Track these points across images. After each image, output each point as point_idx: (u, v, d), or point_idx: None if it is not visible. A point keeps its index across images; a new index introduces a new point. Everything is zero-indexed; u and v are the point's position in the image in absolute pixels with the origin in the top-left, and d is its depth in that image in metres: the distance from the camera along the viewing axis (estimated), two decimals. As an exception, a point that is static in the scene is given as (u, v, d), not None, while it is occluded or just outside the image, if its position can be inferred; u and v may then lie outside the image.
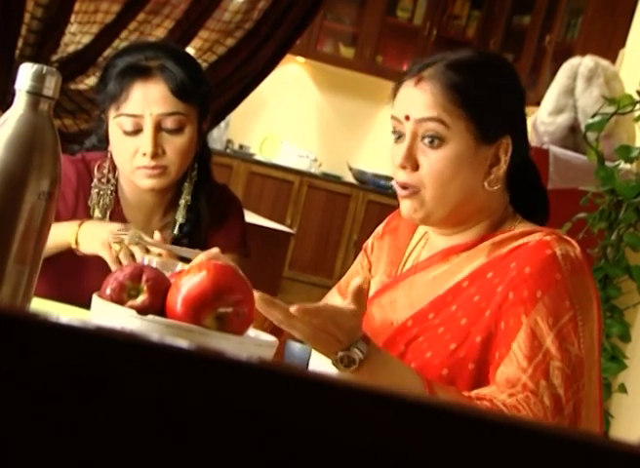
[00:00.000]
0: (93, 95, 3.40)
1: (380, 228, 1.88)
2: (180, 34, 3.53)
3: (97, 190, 2.09)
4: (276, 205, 7.28)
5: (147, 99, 1.98)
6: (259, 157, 7.47)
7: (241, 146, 7.56)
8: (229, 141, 7.46)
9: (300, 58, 7.60)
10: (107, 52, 3.47)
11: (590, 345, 1.56)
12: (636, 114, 3.57)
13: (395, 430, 0.47)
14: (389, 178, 7.34)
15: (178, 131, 2.00)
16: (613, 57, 4.41)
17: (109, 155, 2.08)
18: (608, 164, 3.52)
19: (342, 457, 0.47)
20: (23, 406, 0.46)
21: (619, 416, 3.59)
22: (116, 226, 1.91)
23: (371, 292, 1.80)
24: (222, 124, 6.67)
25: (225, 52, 3.67)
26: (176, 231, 2.10)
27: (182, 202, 2.10)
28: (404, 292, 1.72)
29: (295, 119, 7.83)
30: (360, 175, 7.47)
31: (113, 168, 2.09)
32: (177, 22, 3.56)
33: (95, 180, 2.09)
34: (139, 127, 1.99)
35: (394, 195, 1.74)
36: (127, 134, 2.00)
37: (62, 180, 2.02)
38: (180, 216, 2.11)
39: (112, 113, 2.01)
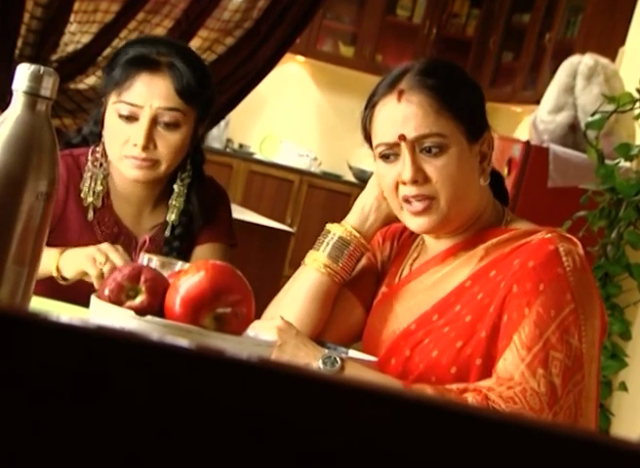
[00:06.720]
0: (98, 86, 3.41)
1: (379, 235, 1.87)
2: (179, 33, 3.53)
3: (89, 174, 2.09)
4: (276, 204, 7.27)
5: (151, 92, 2.00)
6: (258, 156, 7.47)
7: (241, 145, 7.55)
8: (229, 140, 7.46)
9: (300, 57, 7.60)
10: (107, 51, 3.47)
11: (591, 340, 1.57)
12: (636, 112, 3.57)
13: (395, 429, 0.47)
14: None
15: (173, 127, 2.01)
16: (612, 55, 4.41)
17: (103, 139, 2.08)
18: (608, 162, 3.52)
19: (342, 456, 0.47)
20: (23, 405, 0.46)
21: (619, 414, 3.60)
22: (103, 244, 1.89)
23: (375, 300, 1.81)
24: (222, 123, 6.66)
25: (225, 51, 3.67)
26: (167, 233, 2.11)
27: (175, 204, 2.11)
28: (404, 301, 1.72)
29: (294, 118, 7.82)
30: (360, 174, 7.46)
31: (106, 153, 2.09)
32: (176, 22, 3.55)
33: (88, 164, 2.09)
34: (135, 116, 2.00)
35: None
36: (123, 121, 2.01)
37: None
38: (171, 218, 2.11)
39: (113, 98, 2.02)
